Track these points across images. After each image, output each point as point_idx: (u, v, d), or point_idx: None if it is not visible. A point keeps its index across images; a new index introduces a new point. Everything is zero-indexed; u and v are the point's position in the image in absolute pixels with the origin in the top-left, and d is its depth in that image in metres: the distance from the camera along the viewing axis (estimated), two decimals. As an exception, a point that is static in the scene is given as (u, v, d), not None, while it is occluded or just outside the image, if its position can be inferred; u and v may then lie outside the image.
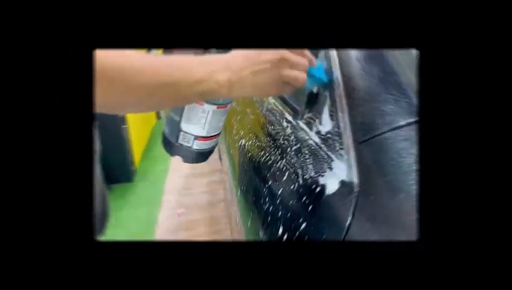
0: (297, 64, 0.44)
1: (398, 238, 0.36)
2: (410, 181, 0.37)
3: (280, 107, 0.69)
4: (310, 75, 0.47)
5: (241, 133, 0.84)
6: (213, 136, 0.55)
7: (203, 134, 0.53)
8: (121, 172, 2.30)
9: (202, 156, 0.57)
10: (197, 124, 0.52)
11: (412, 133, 0.40)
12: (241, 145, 0.80)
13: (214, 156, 2.10)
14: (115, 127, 2.20)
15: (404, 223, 0.35)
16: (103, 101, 0.37)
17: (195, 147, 0.55)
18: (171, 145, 0.55)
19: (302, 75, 0.44)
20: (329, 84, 0.49)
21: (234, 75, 0.41)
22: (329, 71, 0.50)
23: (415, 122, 0.41)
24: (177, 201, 2.09)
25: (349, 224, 0.39)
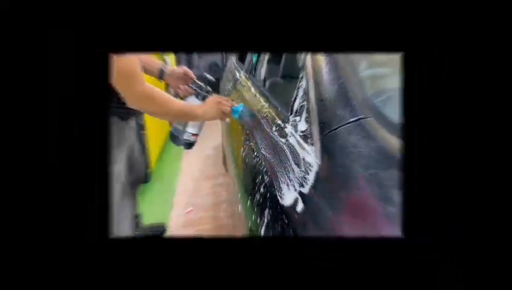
0: (227, 104, 1.06)
1: (341, 204, 0.55)
2: (350, 161, 0.56)
3: (273, 114, 0.94)
4: (232, 110, 1.08)
5: (243, 138, 1.16)
6: (197, 134, 1.19)
7: (197, 132, 1.18)
8: (139, 174, 2.57)
9: (191, 145, 1.20)
10: (194, 127, 1.17)
11: (351, 129, 0.58)
12: (244, 146, 1.09)
13: (219, 162, 2.72)
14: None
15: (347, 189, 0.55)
16: (154, 115, 1.06)
17: (192, 140, 1.18)
18: (178, 140, 1.17)
19: (229, 110, 1.07)
20: (242, 117, 1.08)
21: (205, 110, 1.06)
22: (245, 110, 1.09)
23: (354, 121, 0.59)
24: (186, 201, 2.41)
25: (309, 192, 0.60)
